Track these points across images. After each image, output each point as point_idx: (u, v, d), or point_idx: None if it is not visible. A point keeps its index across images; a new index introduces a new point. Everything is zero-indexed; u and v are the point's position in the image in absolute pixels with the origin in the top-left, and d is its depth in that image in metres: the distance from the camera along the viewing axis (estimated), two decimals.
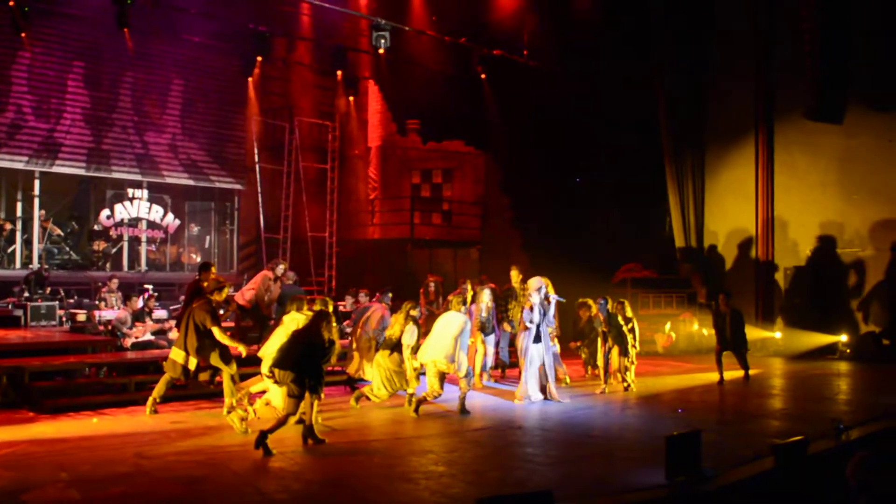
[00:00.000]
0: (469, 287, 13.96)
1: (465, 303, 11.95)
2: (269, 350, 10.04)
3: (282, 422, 8.92)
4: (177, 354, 10.63)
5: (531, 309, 12.30)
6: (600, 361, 14.00)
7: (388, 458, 8.75)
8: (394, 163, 25.32)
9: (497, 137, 24.46)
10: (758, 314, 21.07)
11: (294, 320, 10.25)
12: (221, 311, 12.39)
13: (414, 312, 11.57)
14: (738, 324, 14.94)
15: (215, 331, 10.44)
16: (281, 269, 14.14)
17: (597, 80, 22.89)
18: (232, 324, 14.50)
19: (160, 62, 20.43)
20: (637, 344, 13.96)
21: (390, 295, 13.95)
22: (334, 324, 9.25)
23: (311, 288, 20.57)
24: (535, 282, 12.56)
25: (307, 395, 9.06)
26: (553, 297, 12.57)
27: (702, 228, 22.97)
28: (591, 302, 14.51)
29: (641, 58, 22.80)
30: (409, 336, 11.41)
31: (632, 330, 13.80)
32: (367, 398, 11.71)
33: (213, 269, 12.10)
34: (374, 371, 11.70)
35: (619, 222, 23.78)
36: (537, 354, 12.29)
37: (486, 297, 13.69)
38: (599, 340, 14.02)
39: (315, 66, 23.54)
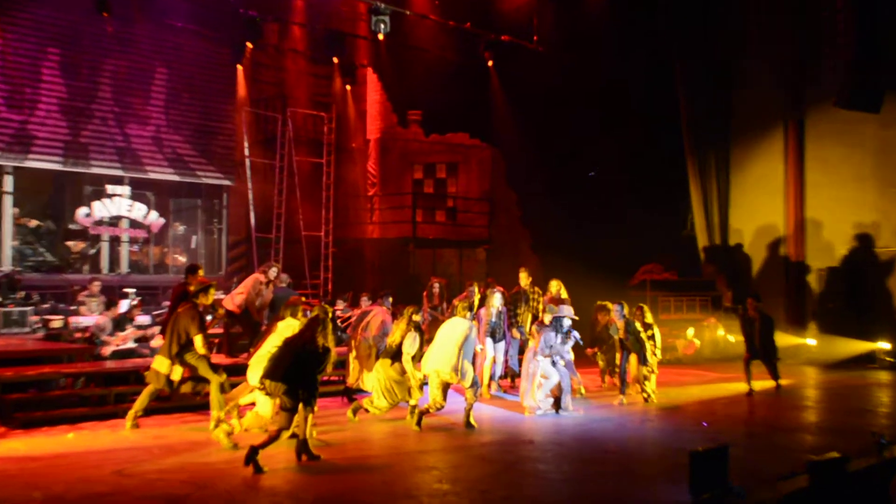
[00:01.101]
0: (476, 290, 13.91)
1: (471, 308, 11.89)
2: (260, 359, 9.97)
3: (274, 437, 8.86)
4: (160, 364, 10.58)
5: (554, 336, 12.23)
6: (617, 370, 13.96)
7: (388, 476, 8.69)
8: (394, 157, 25.30)
9: (505, 129, 24.43)
10: (789, 319, 20.99)
11: (289, 327, 10.21)
12: (209, 318, 12.36)
13: (416, 318, 11.52)
14: (768, 330, 14.89)
15: (198, 340, 10.40)
16: (273, 271, 14.09)
17: (612, 67, 22.83)
18: (220, 330, 14.45)
19: (143, 49, 20.39)
20: (658, 351, 13.92)
21: (391, 299, 13.89)
22: (330, 330, 9.18)
23: (306, 291, 20.54)
24: (565, 309, 12.49)
25: (301, 407, 9.00)
26: (574, 336, 12.52)
27: (727, 227, 22.90)
28: (610, 305, 14.45)
29: (660, 44, 22.74)
30: (411, 344, 11.36)
31: (652, 337, 13.75)
32: (366, 410, 11.66)
33: (201, 272, 12.06)
34: (374, 381, 11.64)
35: (637, 220, 23.69)
36: (552, 372, 12.21)
37: (496, 300, 13.69)
38: (617, 347, 13.95)
39: (309, 53, 23.52)
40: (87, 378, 12.68)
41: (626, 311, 13.65)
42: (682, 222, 23.94)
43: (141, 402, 10.89)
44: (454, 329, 11.29)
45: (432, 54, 23.32)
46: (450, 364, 11.02)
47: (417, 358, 11.37)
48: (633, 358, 13.57)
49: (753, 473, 8.55)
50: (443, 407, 11.22)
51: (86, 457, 9.37)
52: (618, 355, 13.89)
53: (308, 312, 10.47)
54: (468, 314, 11.57)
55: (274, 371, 9.04)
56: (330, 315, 9.50)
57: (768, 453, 9.87)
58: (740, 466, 8.35)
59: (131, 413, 10.90)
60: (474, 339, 11.53)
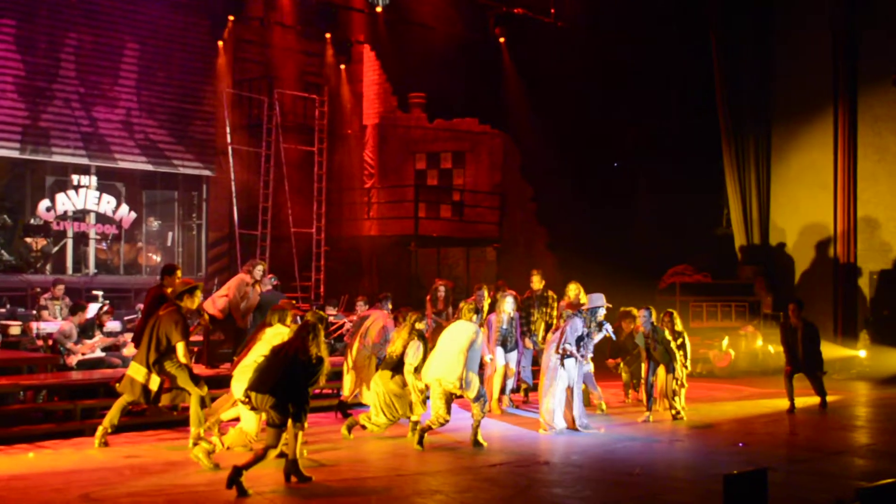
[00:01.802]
0: (486, 293, 13.94)
1: (478, 311, 11.89)
2: (245, 370, 10.01)
3: (260, 456, 8.89)
4: (136, 371, 10.62)
5: (581, 333, 12.25)
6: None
7: (386, 500, 8.73)
8: (394, 144, 25.32)
9: (519, 114, 24.46)
10: (837, 328, 21.00)
11: (278, 335, 10.23)
12: (192, 323, 12.39)
13: (420, 326, 11.55)
14: (812, 340, 14.87)
15: (180, 347, 10.44)
16: (259, 270, 14.15)
17: (640, 44, 22.85)
18: (200, 338, 14.50)
19: (111, 21, 20.40)
20: (688, 363, 13.94)
21: (390, 305, 13.93)
22: (323, 337, 9.21)
23: (296, 294, 20.58)
24: (595, 298, 12.49)
25: (290, 424, 9.04)
26: (606, 328, 12.56)
27: (767, 224, 22.90)
28: (635, 311, 14.49)
29: (693, 16, 22.74)
30: (414, 354, 11.39)
31: (681, 346, 13.78)
32: (363, 427, 11.69)
33: (179, 273, 12.09)
34: (372, 395, 11.68)
35: (666, 216, 23.73)
36: (567, 375, 12.25)
37: (507, 305, 13.71)
38: (643, 358, 13.97)
39: (299, 27, 23.54)
40: (49, 391, 12.73)
41: (653, 317, 13.67)
42: (716, 218, 23.94)
43: (112, 415, 10.92)
44: (458, 333, 11.30)
45: (437, 29, 23.34)
46: (454, 372, 11.01)
47: (420, 369, 11.40)
48: (660, 370, 13.59)
49: (796, 501, 8.58)
50: (447, 422, 11.23)
51: (48, 479, 9.39)
52: (643, 367, 13.90)
53: (299, 318, 10.50)
54: (474, 317, 11.57)
55: (261, 383, 9.07)
56: (325, 321, 9.54)
57: (813, 478, 9.86)
58: (781, 493, 8.37)
59: (101, 429, 10.92)
60: (480, 345, 11.51)
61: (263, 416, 9.26)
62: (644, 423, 13.21)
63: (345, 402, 13.03)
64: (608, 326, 12.61)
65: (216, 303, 13.82)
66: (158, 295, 11.57)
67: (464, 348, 11.09)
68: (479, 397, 11.24)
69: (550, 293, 14.82)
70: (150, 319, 10.77)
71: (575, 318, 12.32)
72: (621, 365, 15.47)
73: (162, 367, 10.52)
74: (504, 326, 13.82)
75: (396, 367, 11.51)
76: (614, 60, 22.78)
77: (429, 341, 11.77)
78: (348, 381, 12.85)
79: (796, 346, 14.80)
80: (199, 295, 10.92)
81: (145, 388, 10.58)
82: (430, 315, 14.85)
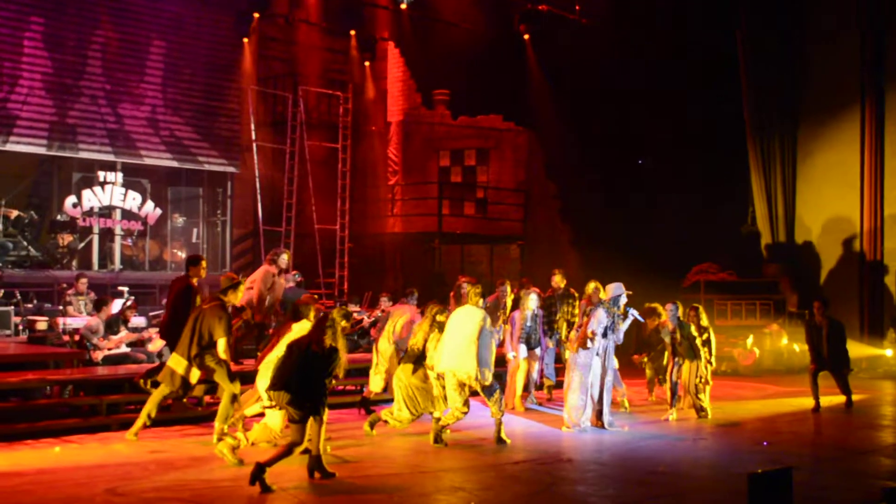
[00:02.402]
0: (508, 289, 13.90)
1: (484, 296, 11.74)
2: (269, 365, 10.01)
3: (284, 452, 8.89)
4: (177, 363, 10.67)
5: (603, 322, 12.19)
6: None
7: (409, 497, 8.72)
8: (418, 141, 25.32)
9: (543, 112, 24.38)
10: (863, 327, 20.87)
11: (303, 330, 10.22)
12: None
13: (441, 318, 11.44)
14: (838, 338, 14.78)
15: (221, 343, 10.49)
16: (284, 259, 14.13)
17: (664, 40, 22.74)
18: None
19: (137, 19, 20.48)
20: (713, 359, 13.85)
21: (415, 303, 13.93)
22: (340, 330, 9.15)
23: (319, 291, 20.61)
24: (613, 288, 12.40)
25: (312, 419, 9.03)
26: (632, 313, 12.50)
27: (793, 221, 22.77)
28: (660, 308, 14.39)
29: (719, 12, 22.61)
30: (435, 347, 11.35)
31: (707, 342, 13.69)
32: (385, 422, 11.66)
33: (204, 264, 12.12)
34: (395, 389, 11.65)
35: (691, 214, 23.60)
36: (592, 372, 12.19)
37: (531, 302, 13.70)
38: (667, 354, 13.90)
39: (324, 24, 23.58)
40: (75, 386, 12.77)
41: (680, 312, 13.58)
42: (741, 216, 23.81)
43: (149, 407, 10.95)
44: (466, 320, 11.15)
45: (461, 26, 23.31)
46: (467, 363, 10.89)
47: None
48: (685, 366, 13.50)
49: (821, 500, 8.52)
50: (465, 414, 11.14)
51: (74, 473, 9.44)
52: (668, 362, 13.81)
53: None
54: (480, 301, 11.43)
55: (277, 379, 9.05)
56: (349, 318, 9.50)
57: (838, 478, 9.82)
58: (806, 492, 8.31)
59: (139, 421, 10.96)
60: (490, 331, 11.30)
61: (284, 412, 9.27)
62: (668, 422, 13.16)
63: (368, 398, 13.03)
64: (634, 311, 12.55)
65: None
66: (184, 286, 11.65)
67: (474, 336, 10.96)
68: (493, 391, 11.11)
69: (573, 291, 14.77)
70: (193, 312, 10.82)
71: (598, 310, 12.24)
72: (645, 360, 15.39)
73: (202, 361, 10.57)
74: (528, 324, 13.80)
75: (418, 360, 11.45)
76: (640, 57, 22.68)
77: None
78: (373, 377, 12.82)
79: (821, 345, 14.71)
80: (241, 290, 10.96)
81: (185, 381, 10.64)
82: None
